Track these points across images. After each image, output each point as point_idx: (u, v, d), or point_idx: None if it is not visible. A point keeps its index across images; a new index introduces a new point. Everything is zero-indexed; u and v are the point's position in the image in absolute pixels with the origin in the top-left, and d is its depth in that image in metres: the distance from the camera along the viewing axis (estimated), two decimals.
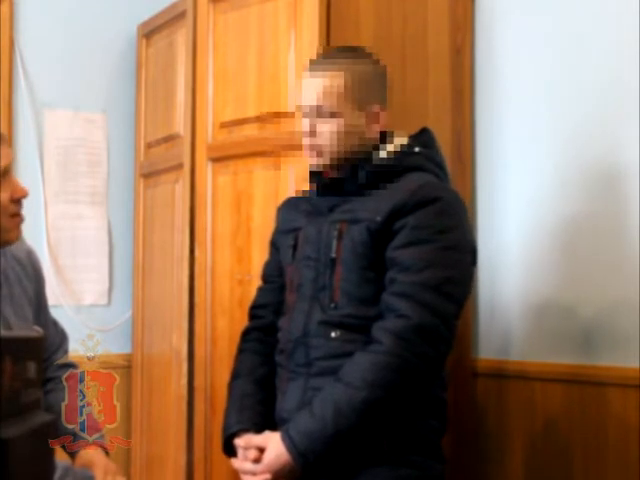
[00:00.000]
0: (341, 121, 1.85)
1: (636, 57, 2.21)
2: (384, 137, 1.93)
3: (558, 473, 2.32)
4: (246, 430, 1.85)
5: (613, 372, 2.20)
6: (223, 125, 2.60)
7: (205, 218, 2.64)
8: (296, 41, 2.35)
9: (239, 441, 1.84)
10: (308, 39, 2.30)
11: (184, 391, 2.70)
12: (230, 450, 1.88)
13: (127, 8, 3.25)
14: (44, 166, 3.09)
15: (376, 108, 1.89)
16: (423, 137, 1.96)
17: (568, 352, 2.32)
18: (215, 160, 2.62)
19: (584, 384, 2.26)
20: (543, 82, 2.43)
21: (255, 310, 2.06)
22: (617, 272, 2.24)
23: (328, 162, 1.88)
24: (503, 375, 2.47)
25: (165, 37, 3.01)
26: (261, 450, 1.78)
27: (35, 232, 2.94)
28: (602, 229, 2.28)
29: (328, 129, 1.85)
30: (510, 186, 2.51)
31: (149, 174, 3.10)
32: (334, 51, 1.96)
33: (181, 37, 2.86)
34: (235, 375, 2.00)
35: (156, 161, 3.05)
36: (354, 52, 1.93)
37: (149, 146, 3.12)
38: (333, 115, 1.85)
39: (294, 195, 2.08)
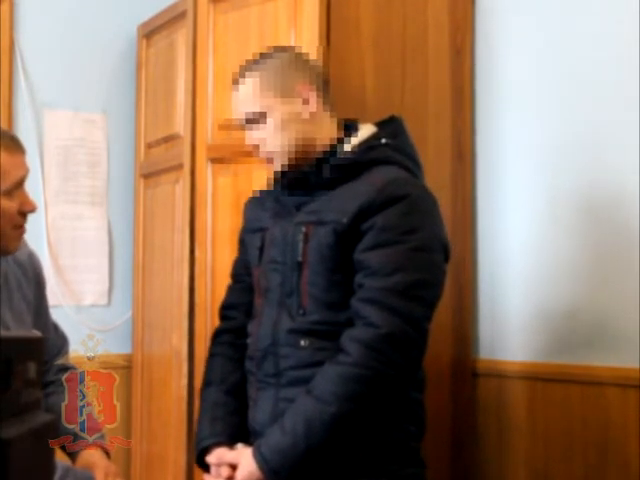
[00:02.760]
0: (273, 117, 1.82)
1: (636, 55, 2.21)
2: (351, 128, 1.88)
3: (558, 473, 2.32)
4: (219, 444, 1.82)
5: (613, 372, 2.20)
6: (223, 125, 2.60)
7: (205, 218, 2.64)
8: (296, 41, 2.34)
9: (211, 458, 1.81)
10: (308, 39, 2.30)
11: (184, 391, 2.70)
12: (203, 463, 1.85)
13: (127, 8, 3.25)
14: (44, 166, 3.09)
15: (300, 87, 1.83)
16: (390, 127, 1.88)
17: (568, 352, 2.32)
18: (215, 160, 2.62)
19: (584, 384, 2.26)
20: (543, 81, 2.44)
21: (226, 311, 2.02)
22: (617, 272, 2.24)
23: (287, 161, 1.84)
24: (503, 375, 2.47)
25: (165, 37, 3.01)
26: (233, 467, 1.75)
27: (35, 232, 2.93)
28: (602, 229, 2.28)
29: (266, 131, 1.83)
30: (510, 186, 2.51)
31: (149, 174, 3.10)
32: (246, 64, 1.89)
33: (181, 37, 2.86)
34: (207, 382, 1.96)
35: (156, 161, 3.05)
36: (263, 55, 1.89)
37: (149, 146, 3.13)
38: (263, 116, 1.82)
39: (260, 191, 2.03)
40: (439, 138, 2.52)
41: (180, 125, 2.83)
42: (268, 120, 1.82)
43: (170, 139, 2.93)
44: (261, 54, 1.90)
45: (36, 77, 3.09)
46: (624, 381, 2.17)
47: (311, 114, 1.84)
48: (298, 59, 1.90)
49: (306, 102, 1.84)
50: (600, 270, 2.28)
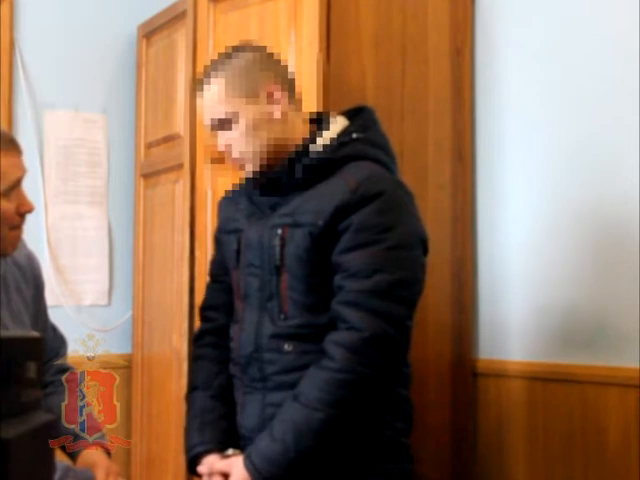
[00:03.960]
0: (242, 120, 1.78)
1: (636, 54, 2.21)
2: (321, 122, 1.86)
3: (558, 473, 2.32)
4: (209, 451, 1.81)
5: (613, 372, 2.20)
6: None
7: (205, 218, 2.64)
8: (296, 41, 2.35)
9: (202, 468, 1.80)
10: (308, 39, 2.30)
11: (184, 391, 2.69)
12: (195, 470, 1.84)
13: (127, 8, 3.25)
14: (44, 166, 3.09)
15: (268, 88, 1.79)
16: (361, 119, 1.84)
17: (568, 352, 2.32)
18: (215, 160, 2.62)
19: (584, 384, 2.26)
20: (543, 82, 2.44)
21: (206, 312, 2.01)
22: (617, 272, 2.24)
23: (259, 163, 1.81)
24: (503, 375, 2.47)
25: (165, 37, 3.01)
26: (225, 476, 1.75)
27: (35, 232, 2.94)
28: (602, 229, 2.28)
29: (236, 135, 1.79)
30: (510, 185, 2.51)
31: (149, 174, 3.10)
32: (210, 65, 1.84)
33: (181, 37, 2.86)
34: (193, 387, 1.95)
35: (156, 161, 3.05)
36: (227, 55, 1.84)
37: (149, 146, 3.13)
38: (232, 120, 1.78)
39: (233, 189, 2.01)
40: (439, 138, 2.52)
41: (180, 125, 2.84)
42: (237, 123, 1.79)
43: (170, 139, 2.93)
44: (224, 54, 1.85)
45: (36, 77, 3.09)
46: (624, 381, 2.17)
47: (280, 114, 1.80)
48: (263, 58, 1.85)
49: (274, 102, 1.80)
50: (600, 270, 2.28)
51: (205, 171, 2.66)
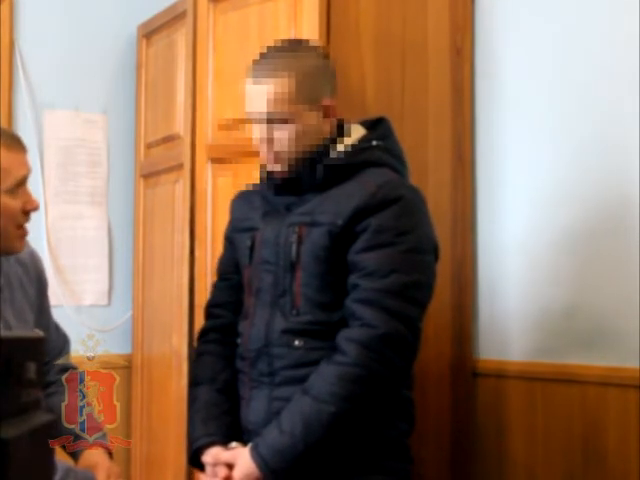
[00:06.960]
0: (296, 125, 1.78)
1: (636, 54, 2.21)
2: (342, 130, 1.88)
3: (558, 473, 2.32)
4: (213, 443, 1.82)
5: (613, 372, 2.20)
6: (223, 125, 2.60)
7: (205, 218, 2.64)
8: None
9: (207, 458, 1.81)
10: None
11: (184, 391, 2.70)
12: (197, 463, 1.85)
13: (127, 8, 3.25)
14: (44, 166, 3.09)
15: (327, 101, 1.82)
16: (380, 128, 1.90)
17: (568, 352, 2.32)
18: (215, 160, 2.62)
19: (584, 384, 2.26)
20: (543, 82, 2.44)
21: (212, 309, 2.02)
22: (617, 272, 2.24)
23: (287, 165, 1.83)
24: (503, 375, 2.47)
25: (165, 37, 3.01)
26: (230, 466, 1.76)
27: (35, 232, 2.92)
28: (602, 229, 2.28)
29: (285, 135, 1.79)
30: (510, 186, 2.51)
31: (149, 174, 3.11)
32: (275, 51, 1.84)
33: (181, 37, 2.86)
34: (196, 381, 1.95)
35: (156, 161, 3.05)
36: (296, 48, 1.85)
37: (149, 146, 3.13)
38: (286, 120, 1.78)
39: (246, 189, 2.02)
40: (439, 138, 2.52)
41: (180, 125, 2.84)
42: (291, 126, 1.79)
43: (170, 139, 2.93)
44: (288, 46, 1.86)
45: (36, 77, 3.09)
46: (624, 381, 2.17)
47: (329, 127, 1.84)
48: (327, 66, 1.88)
49: (329, 116, 1.83)
50: (600, 270, 2.28)
51: (205, 171, 2.66)
